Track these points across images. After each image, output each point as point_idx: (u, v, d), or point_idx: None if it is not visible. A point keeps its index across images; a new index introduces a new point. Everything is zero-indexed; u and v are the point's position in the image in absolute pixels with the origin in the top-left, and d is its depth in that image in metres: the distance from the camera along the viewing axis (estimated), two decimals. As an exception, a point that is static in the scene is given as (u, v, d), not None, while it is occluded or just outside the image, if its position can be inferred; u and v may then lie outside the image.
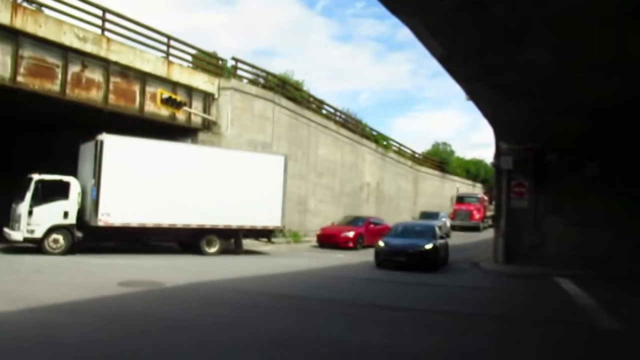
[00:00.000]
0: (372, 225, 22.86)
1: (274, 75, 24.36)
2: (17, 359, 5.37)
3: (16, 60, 13.99)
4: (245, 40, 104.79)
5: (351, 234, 21.63)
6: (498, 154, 17.95)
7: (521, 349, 6.99)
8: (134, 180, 14.82)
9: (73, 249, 14.31)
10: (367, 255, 17.25)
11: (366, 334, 7.17)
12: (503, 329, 8.24)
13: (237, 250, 17.22)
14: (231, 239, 17.29)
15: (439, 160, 47.92)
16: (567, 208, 16.54)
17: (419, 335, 7.37)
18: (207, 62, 22.02)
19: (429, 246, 15.07)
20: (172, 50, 19.48)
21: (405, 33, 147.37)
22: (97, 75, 16.42)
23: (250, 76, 23.64)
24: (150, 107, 18.23)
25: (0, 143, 22.54)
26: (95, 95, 16.39)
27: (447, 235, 28.30)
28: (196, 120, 20.34)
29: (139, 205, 14.87)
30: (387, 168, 35.49)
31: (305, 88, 26.99)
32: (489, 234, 31.54)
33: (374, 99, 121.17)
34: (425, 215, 31.64)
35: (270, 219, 17.52)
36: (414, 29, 8.62)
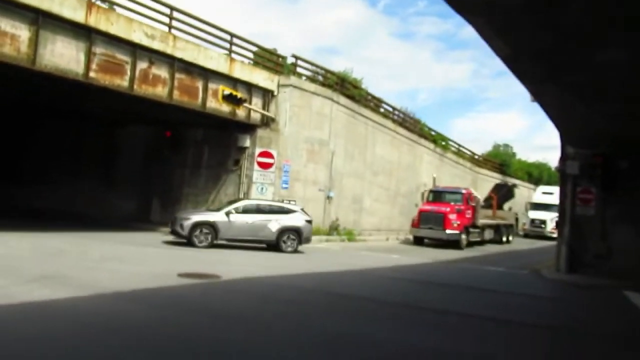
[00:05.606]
0: None
1: (332, 73, 24.37)
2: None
3: (89, 56, 14.65)
4: (306, 38, 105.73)
5: None
6: (564, 158, 17.11)
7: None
8: None
9: None
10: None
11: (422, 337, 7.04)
12: (562, 340, 7.87)
13: None
14: None
15: (500, 162, 46.47)
16: (638, 218, 15.58)
17: (471, 341, 7.16)
18: (267, 59, 22.30)
19: None
20: (234, 48, 19.86)
21: (467, 31, 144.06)
22: (162, 72, 16.98)
23: (309, 73, 23.75)
24: (212, 103, 18.68)
25: (72, 135, 23.88)
26: (160, 91, 16.95)
27: None
28: (255, 116, 20.67)
29: None
30: (445, 169, 34.78)
31: (363, 86, 26.83)
32: (542, 243, 30.01)
33: (433, 98, 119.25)
34: (254, 209, 16.43)
35: None
36: (480, 28, 8.28)
